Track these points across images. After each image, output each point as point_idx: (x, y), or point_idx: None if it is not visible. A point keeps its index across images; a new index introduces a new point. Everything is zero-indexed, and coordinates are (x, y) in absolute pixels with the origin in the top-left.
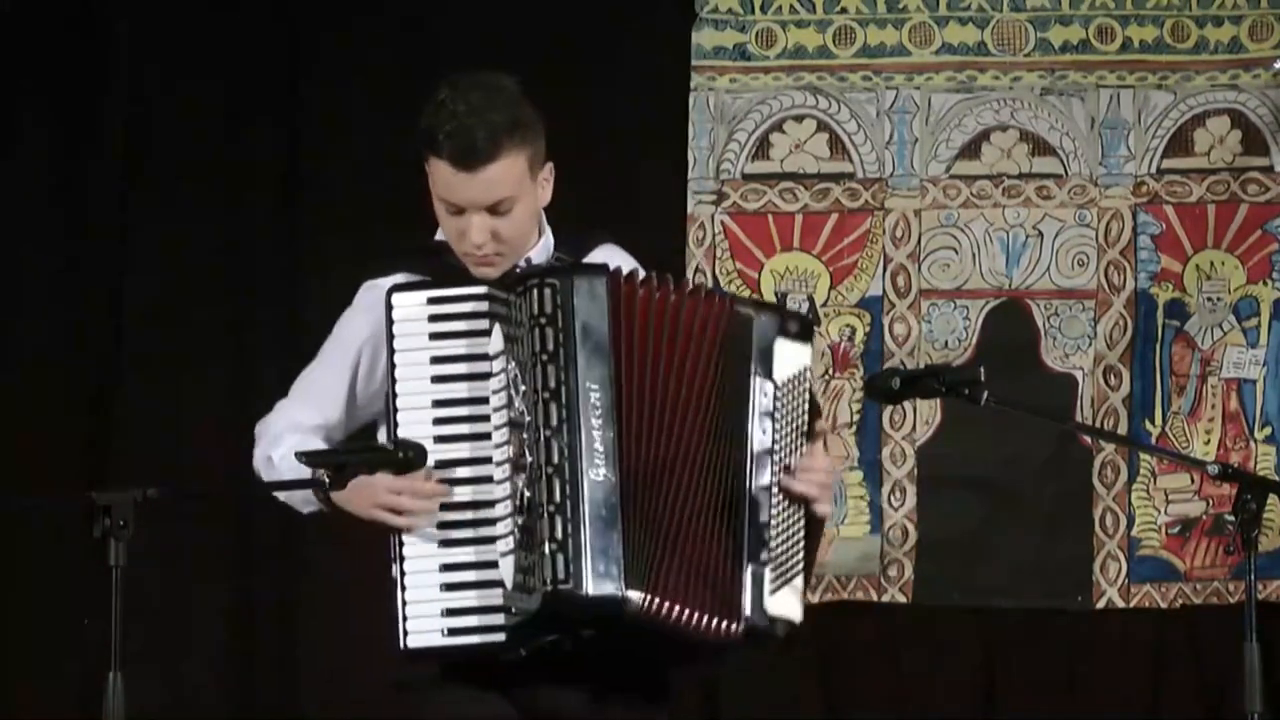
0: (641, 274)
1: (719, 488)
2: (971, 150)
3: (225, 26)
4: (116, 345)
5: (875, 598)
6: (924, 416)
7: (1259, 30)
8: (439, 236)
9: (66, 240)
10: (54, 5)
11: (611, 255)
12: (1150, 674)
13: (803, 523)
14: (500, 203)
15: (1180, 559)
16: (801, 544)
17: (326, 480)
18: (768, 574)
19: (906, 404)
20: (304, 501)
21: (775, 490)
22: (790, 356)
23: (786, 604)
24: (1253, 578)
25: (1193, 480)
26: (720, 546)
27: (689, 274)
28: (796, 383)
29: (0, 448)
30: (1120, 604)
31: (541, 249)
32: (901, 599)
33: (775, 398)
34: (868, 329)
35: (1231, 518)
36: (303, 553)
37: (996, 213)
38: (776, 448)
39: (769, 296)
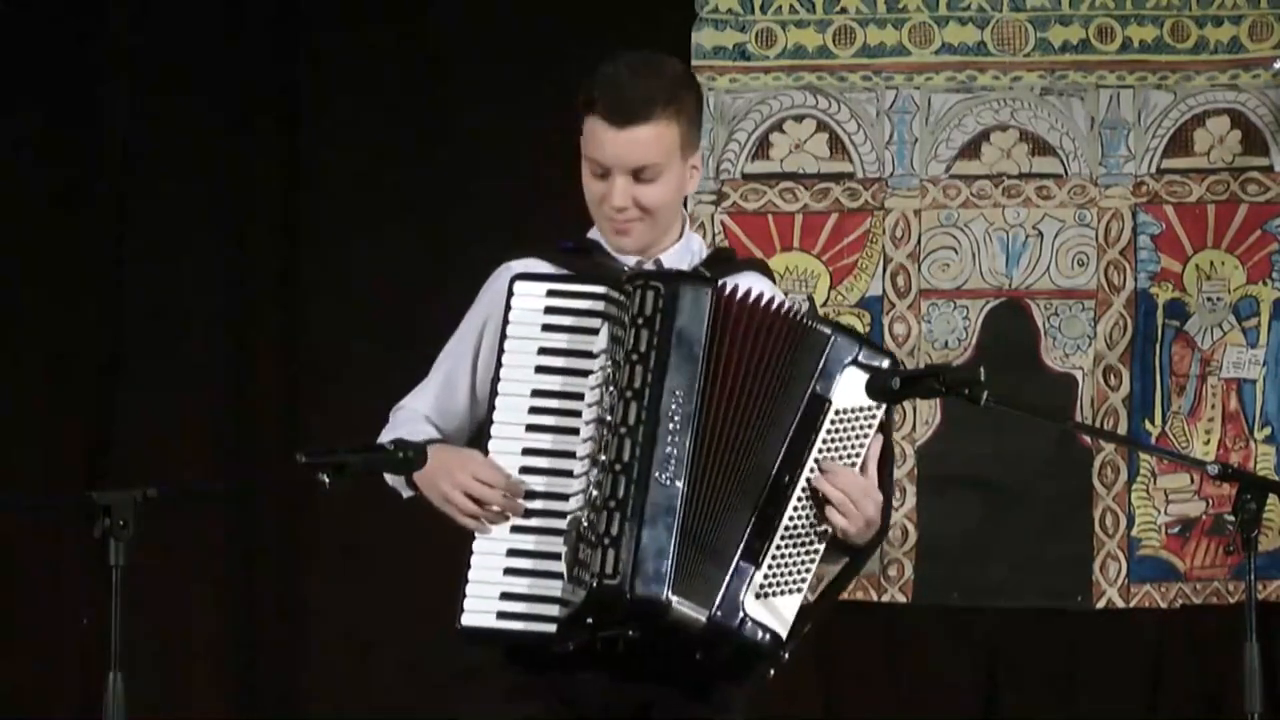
0: (770, 297)
1: (747, 487)
2: (971, 150)
3: (226, 26)
4: (116, 345)
5: (875, 598)
6: (924, 416)
7: (1259, 30)
8: (591, 234)
9: (66, 240)
10: (54, 4)
11: (754, 281)
12: (1150, 674)
13: (822, 541)
14: (645, 168)
15: (1180, 559)
16: (814, 559)
17: (326, 480)
18: (758, 575)
19: (906, 404)
20: (404, 485)
21: (799, 494)
22: (859, 387)
23: (773, 614)
24: (1253, 578)
25: (1193, 480)
26: (726, 537)
27: None
28: (858, 415)
29: (0, 448)
30: (1120, 604)
31: (680, 250)
32: (901, 599)
33: (830, 418)
34: (868, 329)
35: (1231, 518)
36: (303, 552)
37: (996, 213)
38: (809, 464)
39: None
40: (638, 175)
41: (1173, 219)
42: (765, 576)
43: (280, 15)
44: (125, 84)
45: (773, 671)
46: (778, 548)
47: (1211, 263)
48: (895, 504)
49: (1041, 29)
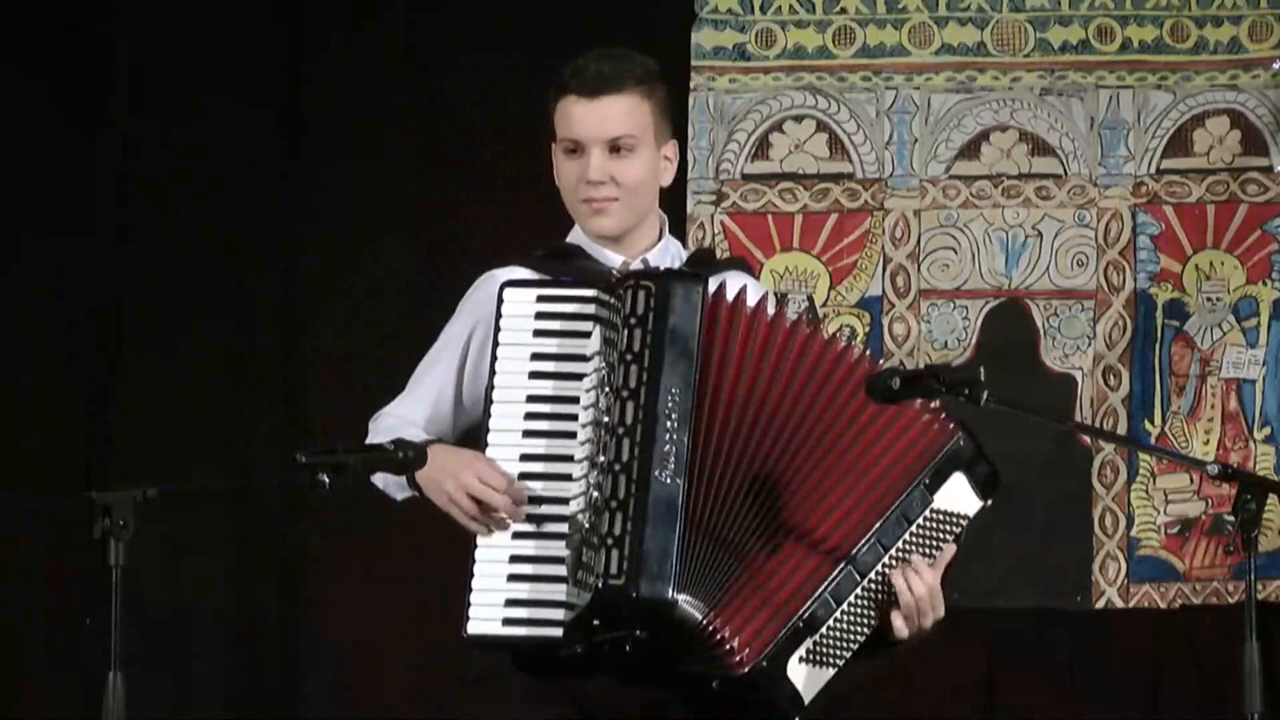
0: (772, 300)
1: (818, 537)
2: (971, 150)
3: (226, 27)
4: (116, 345)
5: None
6: None
7: (1259, 30)
8: (570, 239)
9: (67, 240)
10: (55, 7)
11: (736, 279)
12: (1150, 674)
13: (870, 629)
14: (620, 139)
15: (1180, 559)
16: (859, 642)
17: (326, 481)
18: (808, 640)
19: None
20: (398, 487)
21: (873, 578)
22: (959, 494)
23: (806, 680)
24: (1253, 578)
25: (1192, 480)
26: (785, 589)
27: None
28: (947, 520)
29: (0, 448)
30: (1120, 604)
31: (661, 251)
32: None
33: (923, 515)
34: (867, 329)
35: (1231, 518)
36: (304, 553)
37: (996, 213)
38: (893, 551)
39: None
40: (613, 150)
41: (1172, 219)
42: (815, 643)
43: (280, 19)
44: (127, 81)
45: None
46: (836, 620)
47: (1211, 263)
48: None
49: (1041, 29)
